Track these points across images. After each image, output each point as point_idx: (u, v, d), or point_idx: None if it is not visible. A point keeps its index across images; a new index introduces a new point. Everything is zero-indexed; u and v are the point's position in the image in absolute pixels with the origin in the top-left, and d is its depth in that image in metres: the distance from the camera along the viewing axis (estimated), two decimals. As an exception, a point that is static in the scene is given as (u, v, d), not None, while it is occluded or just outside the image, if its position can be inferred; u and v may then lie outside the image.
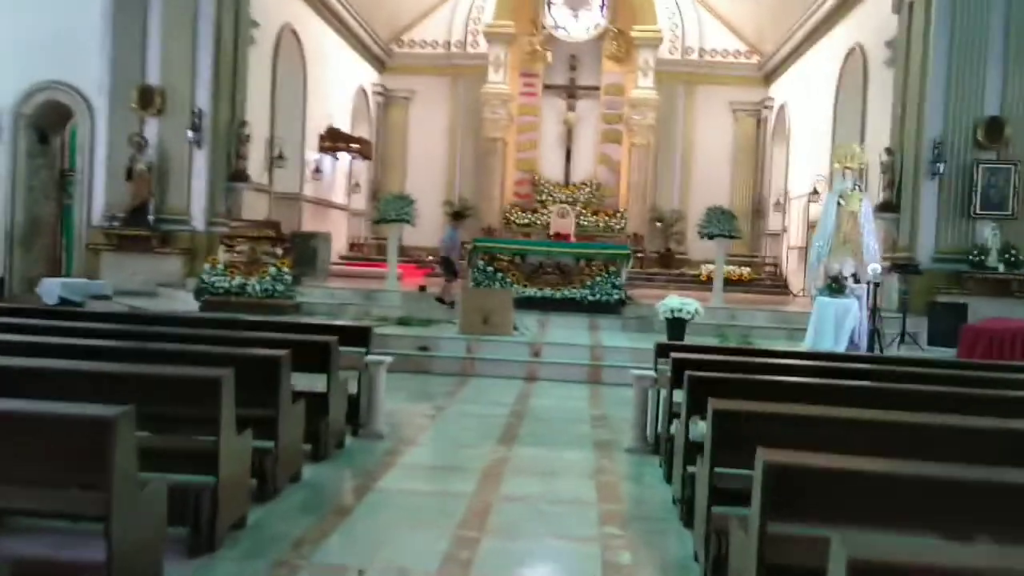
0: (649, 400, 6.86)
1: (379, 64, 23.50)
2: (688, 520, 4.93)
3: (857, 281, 11.17)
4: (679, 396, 5.98)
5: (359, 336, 7.18)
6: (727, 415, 4.21)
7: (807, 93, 19.98)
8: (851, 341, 10.90)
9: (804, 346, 11.07)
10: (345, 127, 21.09)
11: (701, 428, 5.23)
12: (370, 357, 6.92)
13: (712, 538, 4.14)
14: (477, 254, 13.51)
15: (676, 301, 11.14)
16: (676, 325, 11.14)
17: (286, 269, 12.17)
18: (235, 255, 12.26)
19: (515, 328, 11.02)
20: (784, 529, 3.26)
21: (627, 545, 4.68)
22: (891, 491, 3.11)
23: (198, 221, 14.36)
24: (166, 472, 4.15)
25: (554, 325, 12.32)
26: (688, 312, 11.05)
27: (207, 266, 12.16)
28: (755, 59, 23.14)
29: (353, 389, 6.88)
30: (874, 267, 10.22)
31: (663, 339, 11.08)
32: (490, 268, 13.38)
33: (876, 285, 10.13)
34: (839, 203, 11.36)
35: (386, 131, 23.91)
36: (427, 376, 9.83)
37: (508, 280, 13.28)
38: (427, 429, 7.41)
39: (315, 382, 6.19)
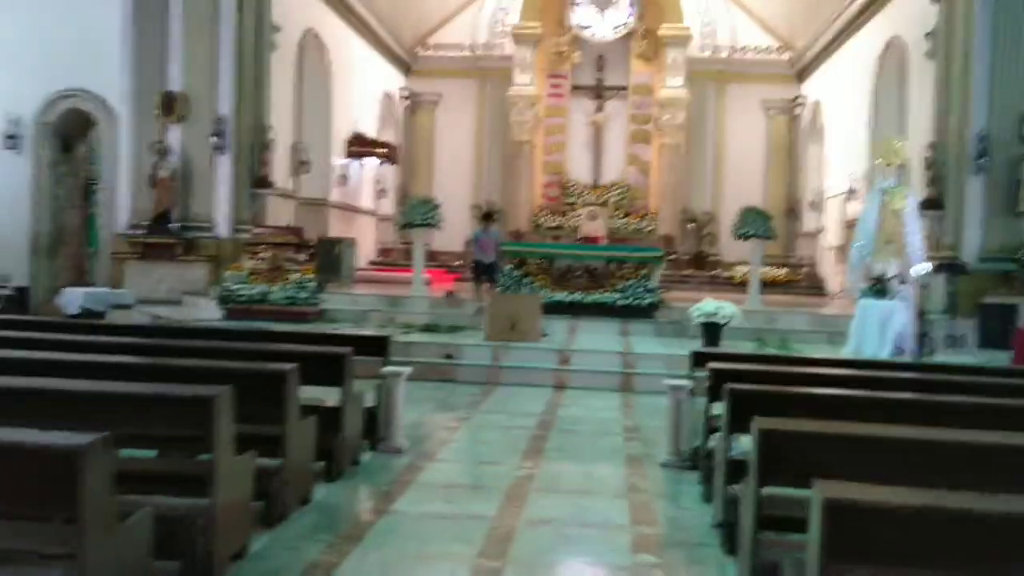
0: (684, 411, 6.39)
1: (405, 68, 23.19)
2: (731, 547, 4.47)
3: (902, 282, 10.62)
4: (717, 408, 5.55)
5: (377, 346, 6.79)
6: (774, 435, 3.75)
7: (842, 89, 19.35)
8: (896, 346, 10.34)
9: (846, 352, 10.54)
10: (371, 132, 20.79)
11: (743, 444, 4.79)
12: (388, 368, 6.53)
13: (760, 572, 3.68)
14: (505, 259, 13.10)
15: (711, 305, 10.65)
16: (711, 330, 10.65)
17: (309, 276, 11.82)
18: (258, 262, 11.91)
19: (544, 334, 10.59)
20: (846, 570, 2.81)
21: (664, 576, 4.23)
22: (972, 531, 2.65)
23: (222, 228, 14.08)
24: (162, 496, 3.79)
25: (584, 330, 11.87)
26: (724, 316, 10.55)
27: (230, 273, 11.85)
28: (787, 56, 22.52)
29: (372, 401, 6.49)
30: (923, 266, 9.64)
31: (698, 345, 10.64)
32: (518, 272, 12.96)
33: (923, 287, 9.55)
34: (882, 201, 10.79)
35: (413, 135, 23.60)
36: (452, 385, 9.43)
37: (536, 284, 12.85)
38: (450, 442, 7.00)
39: (330, 395, 5.81)
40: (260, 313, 11.55)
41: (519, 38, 22.21)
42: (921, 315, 9.43)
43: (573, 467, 6.34)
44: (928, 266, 9.70)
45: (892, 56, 16.41)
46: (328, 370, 5.71)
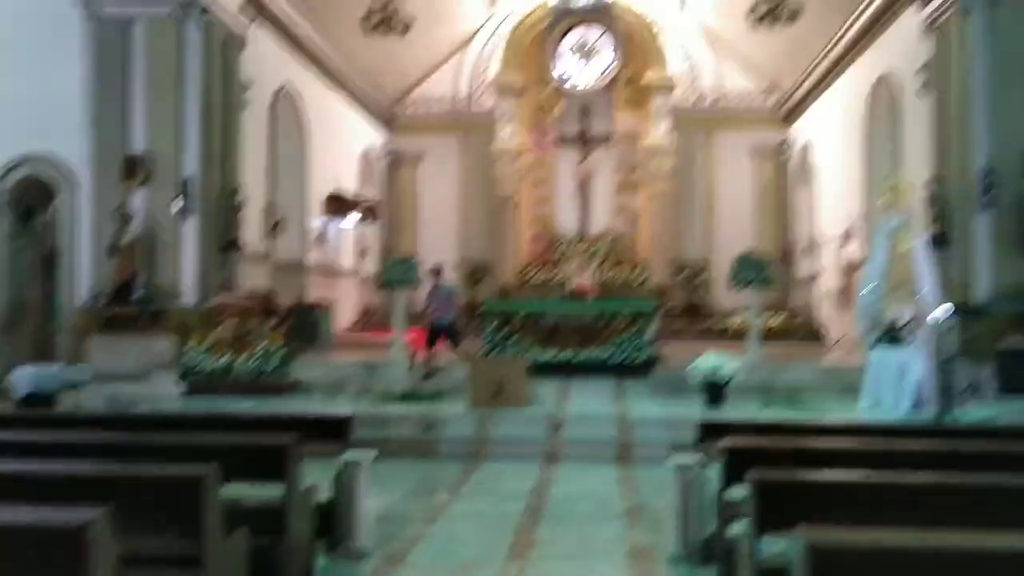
0: (694, 494, 5.40)
1: (385, 124, 22.48)
2: None
3: (917, 328, 9.70)
4: (734, 491, 4.58)
5: (337, 428, 5.80)
6: (830, 554, 2.76)
7: (832, 130, 18.67)
8: (916, 398, 9.38)
9: (862, 408, 9.58)
10: (351, 189, 19.98)
11: (775, 545, 3.81)
12: (349, 454, 5.53)
13: None
14: (490, 317, 12.15)
15: (711, 361, 9.68)
16: (713, 389, 9.67)
17: (278, 344, 10.83)
18: (222, 331, 10.95)
19: (532, 398, 9.59)
20: None
21: None
22: None
23: (190, 296, 13.14)
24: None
25: (576, 392, 10.89)
26: (726, 372, 9.58)
27: (192, 345, 10.86)
28: (773, 99, 21.89)
29: (329, 494, 5.49)
30: (942, 309, 8.71)
31: (698, 404, 9.68)
32: (503, 332, 12.00)
33: (944, 332, 8.62)
34: (890, 242, 9.92)
35: (395, 192, 22.80)
36: (432, 462, 8.40)
37: (523, 343, 11.89)
38: (424, 539, 5.95)
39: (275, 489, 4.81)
40: (225, 388, 10.54)
41: (501, 91, 21.57)
42: (945, 364, 8.46)
43: (568, 566, 5.32)
44: (948, 309, 8.75)
45: (882, 93, 15.72)
46: (270, 463, 4.72)
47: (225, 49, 13.93)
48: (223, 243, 13.72)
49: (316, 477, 5.33)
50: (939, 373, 8.60)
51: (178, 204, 13.02)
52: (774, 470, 3.91)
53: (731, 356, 9.89)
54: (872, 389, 9.56)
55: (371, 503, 5.77)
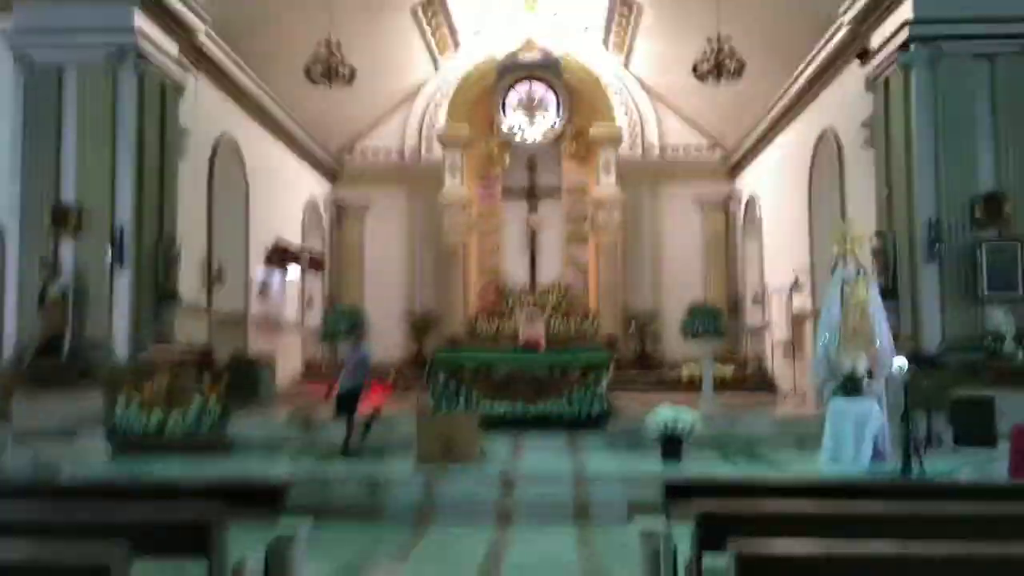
0: (663, 563, 4.96)
1: (330, 174, 22.05)
2: None
3: (871, 378, 9.49)
4: (708, 558, 4.18)
5: (271, 495, 5.26)
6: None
7: (777, 182, 18.75)
8: (876, 450, 9.13)
9: (823, 460, 9.27)
10: (295, 240, 19.42)
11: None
12: (282, 525, 5.00)
13: None
14: (438, 369, 11.67)
15: (668, 413, 9.33)
16: (671, 443, 9.30)
17: (214, 401, 10.20)
18: (154, 387, 10.29)
19: (482, 453, 9.10)
20: None
21: None
22: None
23: (121, 350, 12.44)
24: None
25: (529, 447, 10.43)
26: (684, 425, 9.23)
27: (120, 402, 10.18)
28: (718, 153, 22.01)
29: (260, 568, 4.93)
30: (900, 361, 8.50)
31: (655, 459, 9.31)
32: (452, 384, 11.52)
33: (907, 383, 8.40)
34: (843, 291, 9.73)
35: (340, 243, 22.28)
36: (377, 525, 7.83)
37: (474, 396, 11.43)
38: (366, 617, 5.41)
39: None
40: (156, 448, 9.86)
41: (447, 141, 21.33)
42: (906, 417, 8.22)
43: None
44: (904, 361, 8.54)
45: (826, 147, 15.79)
46: (193, 538, 4.18)
47: (162, 96, 13.44)
48: (158, 295, 13.09)
49: (247, 549, 4.78)
50: (901, 426, 8.35)
51: (110, 254, 12.39)
52: (755, 541, 3.51)
53: (687, 409, 9.55)
54: (831, 442, 9.26)
55: (309, 576, 5.23)
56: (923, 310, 12.25)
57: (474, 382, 11.47)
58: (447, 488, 8.36)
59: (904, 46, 12.47)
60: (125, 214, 12.64)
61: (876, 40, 13.23)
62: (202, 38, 14.37)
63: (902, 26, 12.40)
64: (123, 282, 12.59)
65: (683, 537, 4.56)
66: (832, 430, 9.29)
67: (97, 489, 5.63)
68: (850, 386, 9.33)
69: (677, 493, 5.15)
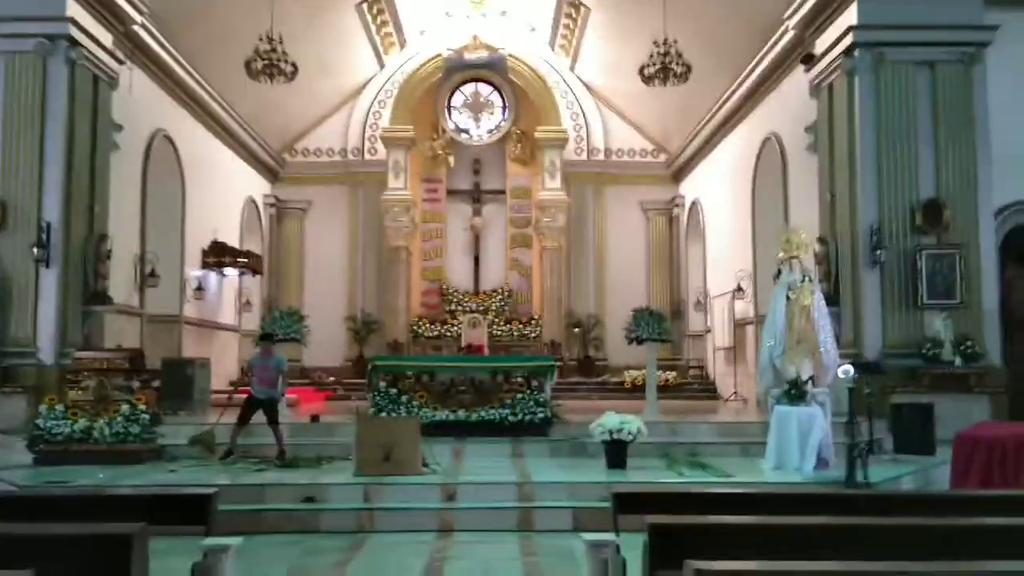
0: (612, 574, 4.77)
1: (271, 174, 21.54)
2: None
3: (815, 385, 9.47)
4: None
5: (197, 507, 4.94)
6: None
7: (720, 188, 18.82)
8: (820, 458, 9.10)
9: (767, 467, 9.22)
10: (233, 241, 18.89)
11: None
12: (209, 541, 4.68)
13: None
14: (377, 375, 11.36)
15: (614, 420, 9.18)
16: (616, 449, 9.16)
17: (142, 407, 9.75)
18: (80, 392, 9.81)
19: (425, 464, 8.84)
20: None
21: None
22: None
23: (46, 353, 11.87)
24: None
25: (471, 454, 10.18)
26: (629, 432, 9.09)
27: (43, 408, 9.67)
28: (663, 157, 22.05)
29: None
30: (845, 367, 8.48)
31: (600, 466, 9.15)
32: (393, 390, 11.22)
33: (851, 390, 8.36)
34: (788, 297, 9.69)
35: (280, 244, 21.77)
36: (314, 537, 7.51)
37: (415, 403, 11.14)
38: (299, 636, 5.12)
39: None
40: (81, 455, 9.38)
41: (391, 141, 21.02)
42: (852, 423, 8.18)
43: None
44: (850, 367, 8.52)
45: (770, 152, 15.87)
46: (111, 557, 3.86)
47: (95, 88, 12.91)
48: (87, 296, 12.55)
49: (171, 567, 4.48)
50: (846, 433, 8.31)
51: (35, 252, 11.83)
52: (711, 562, 3.33)
53: (632, 416, 9.40)
54: (775, 448, 9.21)
55: (238, 595, 4.92)
56: (864, 316, 12.32)
57: (415, 388, 11.17)
58: (387, 498, 8.07)
59: (848, 51, 12.56)
60: (53, 210, 12.09)
61: (821, 45, 13.32)
62: (138, 29, 13.84)
63: (847, 32, 12.48)
64: (49, 282, 12.04)
65: (632, 549, 4.40)
66: (776, 437, 9.24)
67: (9, 500, 5.24)
68: (794, 393, 9.29)
69: (626, 504, 4.97)
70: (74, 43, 12.23)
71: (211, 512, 4.96)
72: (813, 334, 9.54)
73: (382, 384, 11.28)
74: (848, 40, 12.54)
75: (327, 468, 9.24)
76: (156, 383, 12.25)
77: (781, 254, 9.95)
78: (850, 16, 12.56)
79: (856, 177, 12.56)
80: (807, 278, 9.70)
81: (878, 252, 12.22)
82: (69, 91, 12.29)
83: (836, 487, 8.12)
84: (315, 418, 11.73)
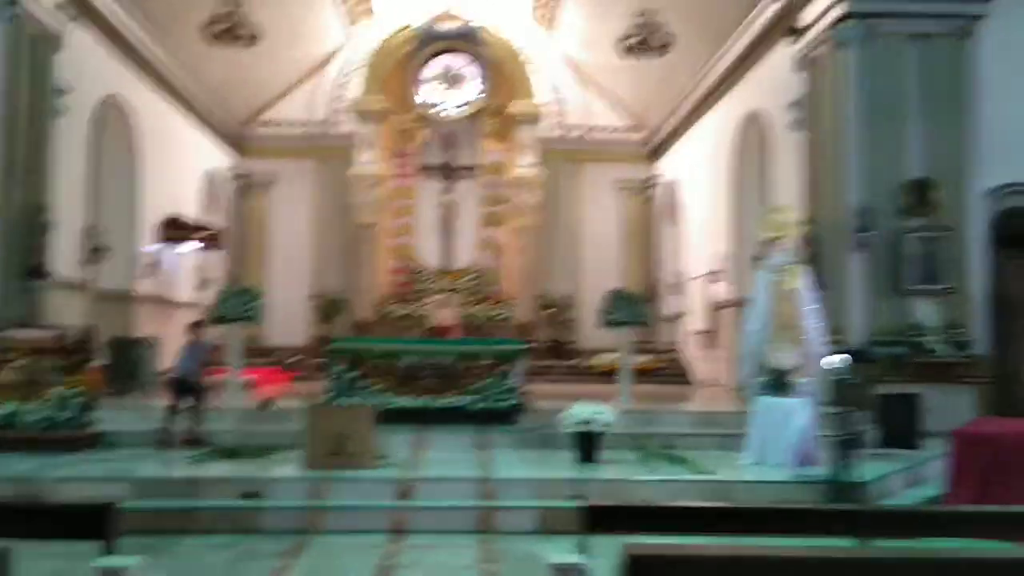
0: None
1: (233, 145, 20.55)
2: None
3: (802, 375, 8.82)
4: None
5: (93, 520, 4.18)
6: None
7: (699, 167, 18.12)
8: (801, 453, 8.46)
9: (746, 461, 8.58)
10: (193, 214, 17.95)
11: None
12: (104, 561, 3.93)
13: None
14: (336, 358, 10.59)
15: (585, 410, 8.50)
16: (586, 442, 8.47)
17: (74, 390, 8.93)
18: (8, 374, 8.98)
19: (379, 457, 8.11)
20: None
21: None
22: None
23: (-21, 331, 11.00)
24: None
25: (432, 446, 9.46)
26: (601, 424, 8.41)
27: (-34, 391, 8.84)
28: (640, 135, 21.31)
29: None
30: (835, 358, 7.82)
31: (568, 460, 8.48)
32: (352, 375, 10.46)
33: (843, 381, 7.72)
34: (773, 281, 9.03)
35: (243, 218, 20.83)
36: (252, 539, 6.78)
37: (375, 388, 10.39)
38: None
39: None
40: (7, 443, 8.57)
41: (361, 115, 20.11)
42: (842, 416, 7.53)
43: None
44: (841, 357, 7.86)
45: (751, 129, 15.17)
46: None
47: (36, 48, 11.94)
48: (27, 269, 11.66)
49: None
50: (835, 426, 7.67)
51: (-32, 222, 10.95)
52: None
53: (603, 407, 8.72)
54: (756, 442, 8.59)
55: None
56: (849, 302, 11.71)
57: (375, 373, 10.42)
58: (336, 494, 7.34)
59: (838, 23, 11.88)
60: (-14, 178, 11.18)
61: (808, 16, 12.61)
62: (84, -14, 12.88)
63: (838, 0, 11.78)
64: (-17, 254, 11.15)
65: (602, 557, 3.72)
66: (757, 430, 8.61)
67: None
68: (777, 383, 8.66)
69: (598, 518, 4.27)
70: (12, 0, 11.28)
71: (110, 524, 4.19)
72: (799, 320, 8.89)
73: (339, 369, 10.51)
74: (839, 10, 11.85)
75: (274, 459, 8.47)
76: (97, 363, 11.40)
77: (766, 235, 9.26)
78: (842, -18, 11.86)
79: (842, 155, 11.91)
80: (794, 261, 9.03)
81: (864, 234, 11.60)
82: (7, 51, 11.34)
83: (822, 486, 7.52)
84: (265, 404, 10.93)
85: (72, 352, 9.71)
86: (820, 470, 7.98)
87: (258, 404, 11.13)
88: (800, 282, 8.99)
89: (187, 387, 9.19)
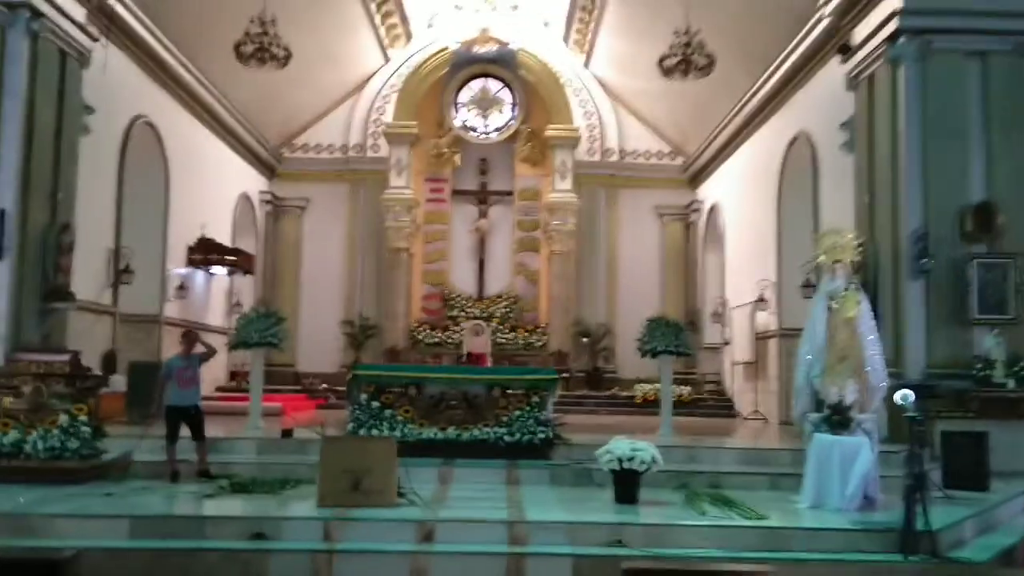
0: None
1: (267, 169, 20.18)
2: None
3: (862, 410, 7.99)
4: None
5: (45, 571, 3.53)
6: None
7: (742, 192, 17.34)
8: (864, 495, 7.62)
9: (803, 505, 7.73)
10: (224, 238, 17.53)
11: None
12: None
13: None
14: (359, 386, 9.92)
15: (624, 447, 7.72)
16: (626, 481, 7.70)
17: (83, 417, 8.35)
18: (15, 400, 8.44)
19: (401, 494, 7.40)
20: None
21: None
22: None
23: (-5, 353, 10.53)
24: None
25: (460, 480, 8.74)
26: (643, 462, 7.63)
27: (-30, 417, 8.30)
28: (679, 160, 20.59)
29: None
30: (903, 392, 6.99)
31: (607, 498, 7.71)
32: (376, 404, 9.77)
33: (914, 420, 6.87)
34: (830, 307, 8.23)
35: (276, 243, 20.38)
36: (258, 585, 6.09)
37: (400, 418, 9.69)
38: None
39: None
40: (10, 472, 8.01)
41: (394, 138, 19.67)
42: (912, 459, 6.69)
43: None
44: (910, 393, 7.02)
45: (799, 152, 14.40)
46: None
47: (62, 64, 11.56)
48: (46, 290, 11.19)
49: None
50: (906, 469, 6.83)
51: (-14, 241, 10.50)
52: None
53: (645, 443, 7.94)
54: (813, 483, 7.74)
55: None
56: (906, 332, 10.84)
57: (399, 402, 9.72)
58: (352, 535, 6.63)
59: (892, 39, 11.12)
60: (7, 195, 10.73)
61: (860, 33, 11.89)
62: (114, 3, 12.50)
63: (891, 16, 11.05)
64: (2, 273, 10.68)
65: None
66: (815, 470, 7.77)
67: None
68: (836, 419, 7.83)
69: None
70: (37, 13, 10.90)
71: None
72: (858, 351, 8.07)
73: (363, 396, 9.83)
74: (892, 26, 11.11)
75: (289, 495, 7.80)
76: (114, 389, 10.89)
77: (823, 258, 8.47)
78: (895, 0, 11.12)
79: (899, 177, 11.11)
80: (852, 286, 8.22)
81: (923, 261, 10.75)
82: (30, 65, 10.95)
83: (890, 534, 6.67)
84: (287, 433, 10.29)
85: (83, 377, 9.11)
86: (884, 515, 7.13)
87: (281, 431, 10.51)
88: (859, 309, 8.17)
89: (182, 414, 8.53)
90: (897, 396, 6.94)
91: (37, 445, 8.18)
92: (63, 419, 8.28)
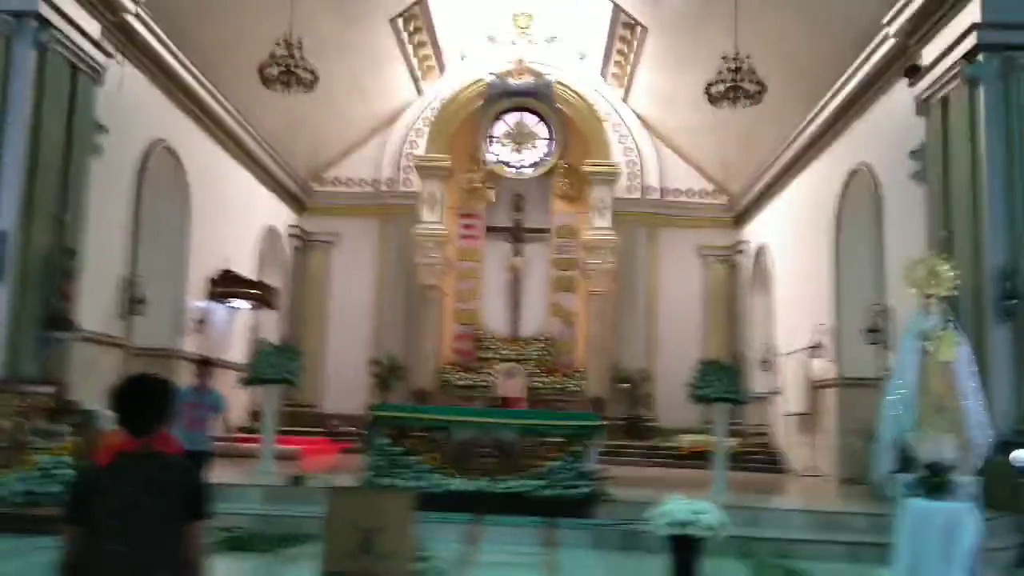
0: None
1: (296, 203, 19.33)
2: None
3: (964, 471, 6.71)
4: None
5: None
6: None
7: (793, 230, 16.12)
8: (971, 572, 6.32)
9: (897, 583, 6.44)
10: (249, 271, 16.61)
11: None
12: None
13: None
14: (378, 429, 8.80)
15: (683, 508, 6.49)
16: (686, 547, 6.46)
17: (64, 458, 7.31)
18: (-7, 437, 7.43)
19: (417, 559, 6.23)
20: None
21: None
22: None
23: (-12, 385, 9.56)
24: None
25: (487, 543, 7.55)
26: (705, 527, 6.39)
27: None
28: (724, 199, 19.46)
29: None
30: (1017, 454, 5.73)
31: (660, 565, 6.47)
32: (398, 449, 8.64)
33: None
34: (924, 349, 7.00)
35: (303, 278, 19.44)
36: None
37: (424, 467, 8.54)
38: None
39: None
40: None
41: (426, 172, 18.73)
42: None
43: None
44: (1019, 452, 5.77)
45: (859, 185, 13.18)
46: None
47: (73, 81, 10.74)
48: (47, 318, 10.24)
49: None
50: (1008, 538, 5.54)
51: (-18, 264, 9.60)
52: None
53: (706, 504, 6.71)
54: (907, 556, 6.44)
55: None
56: (993, 381, 9.50)
57: (423, 448, 8.58)
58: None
59: (968, 56, 9.98)
60: (8, 216, 9.83)
61: (931, 53, 10.75)
62: (131, 20, 11.75)
63: (967, 32, 9.91)
64: (-1, 299, 9.77)
65: None
66: (909, 541, 6.45)
67: None
68: (934, 481, 6.55)
69: None
70: (45, 24, 10.12)
71: None
72: (957, 400, 6.82)
73: (384, 441, 8.71)
74: (969, 43, 9.96)
75: (291, 554, 6.66)
76: (114, 427, 9.82)
77: (916, 291, 7.25)
78: (971, 14, 9.99)
79: (980, 209, 9.86)
80: (950, 324, 7.00)
81: (1011, 302, 9.48)
82: (37, 79, 10.14)
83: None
84: (298, 480, 9.16)
85: (68, 412, 8.10)
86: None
87: (291, 478, 9.39)
88: (958, 352, 6.93)
89: (193, 456, 7.44)
90: (1014, 456, 5.67)
91: (10, 489, 7.12)
92: (42, 459, 7.22)
